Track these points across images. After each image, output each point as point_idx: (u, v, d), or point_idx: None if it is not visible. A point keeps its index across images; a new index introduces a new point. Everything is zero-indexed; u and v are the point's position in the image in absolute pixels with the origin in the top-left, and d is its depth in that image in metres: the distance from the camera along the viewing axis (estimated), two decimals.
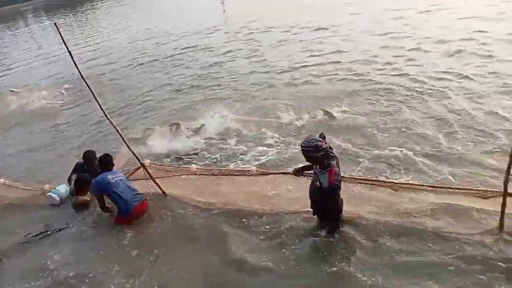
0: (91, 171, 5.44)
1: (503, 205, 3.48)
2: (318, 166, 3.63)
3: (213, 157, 6.26)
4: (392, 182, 4.22)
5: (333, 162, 3.56)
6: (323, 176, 3.52)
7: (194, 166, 5.49)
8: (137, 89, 11.10)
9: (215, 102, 8.78)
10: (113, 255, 4.36)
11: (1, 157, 8.10)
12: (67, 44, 4.49)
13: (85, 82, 4.69)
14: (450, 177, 4.72)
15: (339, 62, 10.26)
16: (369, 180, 4.33)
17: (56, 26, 4.54)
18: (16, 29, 35.89)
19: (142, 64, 14.05)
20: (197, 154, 6.43)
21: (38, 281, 4.15)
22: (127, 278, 3.95)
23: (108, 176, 4.86)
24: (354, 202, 4.26)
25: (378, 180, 4.30)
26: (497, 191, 3.58)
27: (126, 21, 27.01)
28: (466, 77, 7.93)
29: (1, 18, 49.38)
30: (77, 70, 4.64)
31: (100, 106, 4.82)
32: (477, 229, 3.66)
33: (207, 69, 12.00)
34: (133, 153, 5.10)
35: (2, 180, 6.25)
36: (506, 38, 9.74)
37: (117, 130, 4.97)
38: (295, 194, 4.47)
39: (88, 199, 5.44)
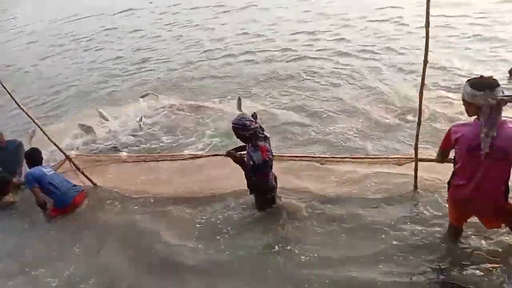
0: None
1: (415, 169, 3.86)
2: (250, 145, 3.71)
3: (146, 145, 6.06)
4: (320, 156, 4.44)
5: (261, 142, 3.66)
6: (255, 154, 3.61)
7: (124, 153, 5.30)
8: (59, 75, 10.40)
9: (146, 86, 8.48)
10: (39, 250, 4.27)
11: None
12: None
13: None
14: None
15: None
16: (298, 156, 4.51)
17: None
18: None
19: (62, 46, 13.09)
20: (128, 143, 6.17)
21: None
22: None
23: (43, 169, 4.69)
24: (288, 177, 4.42)
25: (307, 156, 4.49)
26: (409, 157, 3.94)
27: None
28: None
29: None
30: None
31: (11, 95, 4.42)
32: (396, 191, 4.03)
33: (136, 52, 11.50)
34: (56, 145, 4.80)
35: None
36: None
37: (33, 121, 4.64)
38: (230, 175, 4.51)
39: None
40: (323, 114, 6.23)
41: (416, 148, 3.70)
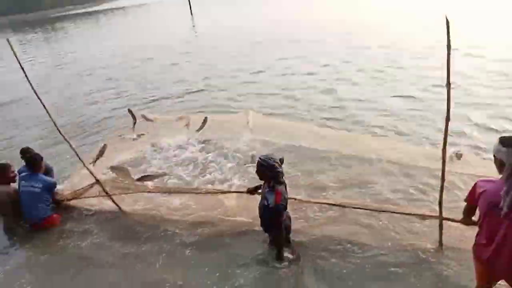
0: None
1: (440, 227, 3.70)
2: (266, 185, 3.76)
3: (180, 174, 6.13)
4: (339, 205, 4.37)
5: (280, 187, 3.72)
6: (270, 196, 3.65)
7: (149, 183, 5.46)
8: (94, 107, 11.06)
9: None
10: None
11: None
12: (20, 61, 4.56)
13: (37, 96, 4.67)
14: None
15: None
16: (318, 202, 4.46)
17: (9, 42, 4.56)
18: None
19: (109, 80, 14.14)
20: (160, 172, 6.26)
21: None
22: None
23: (22, 181, 5.07)
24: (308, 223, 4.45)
25: (326, 203, 4.44)
26: (433, 215, 3.79)
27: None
28: None
29: None
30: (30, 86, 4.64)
31: (50, 117, 4.81)
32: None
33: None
34: (88, 168, 5.07)
35: None
36: None
37: (69, 144, 4.96)
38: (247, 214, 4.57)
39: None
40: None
41: (440, 205, 3.57)
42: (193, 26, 25.71)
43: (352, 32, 17.68)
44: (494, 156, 2.67)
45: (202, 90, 11.63)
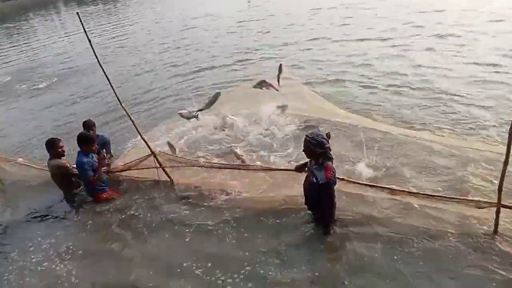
0: None
1: (497, 215, 3.56)
2: (314, 162, 3.76)
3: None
4: (390, 188, 4.28)
5: (329, 162, 3.70)
6: (319, 172, 3.65)
7: (201, 159, 5.68)
8: (159, 82, 11.31)
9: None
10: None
11: (22, 135, 8.55)
12: (88, 33, 4.87)
13: (102, 68, 4.95)
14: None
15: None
16: (366, 184, 4.39)
17: (78, 15, 4.84)
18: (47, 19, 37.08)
19: (166, 52, 14.64)
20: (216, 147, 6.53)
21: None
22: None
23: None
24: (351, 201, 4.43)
25: (375, 185, 4.37)
26: (490, 202, 3.63)
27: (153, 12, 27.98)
28: None
29: (34, 6, 51.10)
30: (96, 59, 4.93)
31: (115, 93, 5.09)
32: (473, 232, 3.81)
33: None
34: (145, 140, 5.34)
35: (20, 159, 6.55)
36: None
37: (130, 118, 5.25)
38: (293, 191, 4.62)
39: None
40: None
41: (499, 191, 3.41)
42: None
43: None
44: None
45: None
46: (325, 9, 18.05)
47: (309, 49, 11.99)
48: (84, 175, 5.25)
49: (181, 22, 21.15)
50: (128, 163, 5.70)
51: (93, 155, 5.38)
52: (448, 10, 14.09)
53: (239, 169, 5.26)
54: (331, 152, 3.76)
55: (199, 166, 5.48)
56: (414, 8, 15.13)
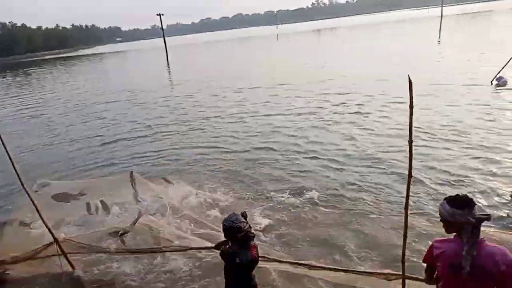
0: None
1: (403, 284, 3.75)
2: (236, 243, 3.68)
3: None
4: (305, 264, 4.34)
5: (252, 242, 3.66)
6: (242, 251, 3.56)
7: (113, 245, 5.22)
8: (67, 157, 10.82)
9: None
10: None
11: None
12: None
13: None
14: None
15: None
16: (280, 261, 4.41)
17: None
18: None
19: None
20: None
21: None
22: None
23: None
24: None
25: (290, 262, 4.40)
26: (397, 274, 3.85)
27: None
28: None
29: None
30: None
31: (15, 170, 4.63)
32: None
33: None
34: (47, 225, 4.82)
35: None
36: None
37: (32, 200, 4.74)
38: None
39: None
40: None
41: (403, 264, 3.65)
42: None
43: None
44: (446, 219, 2.67)
45: None
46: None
47: None
48: None
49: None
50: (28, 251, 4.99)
51: None
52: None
53: (155, 252, 4.95)
54: (251, 230, 3.75)
55: (109, 253, 5.03)
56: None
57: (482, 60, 20.37)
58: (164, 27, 60.81)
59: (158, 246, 5.06)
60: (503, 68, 14.35)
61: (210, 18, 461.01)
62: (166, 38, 60.75)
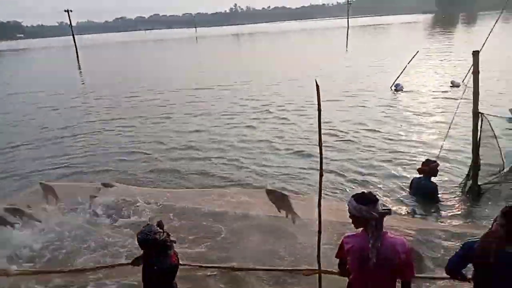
0: None
1: (319, 281, 3.96)
2: (155, 254, 3.53)
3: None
4: (228, 267, 4.36)
5: (171, 252, 3.54)
6: (162, 259, 3.43)
7: (14, 267, 4.62)
8: None
9: None
10: None
11: None
12: None
13: None
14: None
15: None
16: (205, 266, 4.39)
17: None
18: None
19: None
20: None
21: None
22: None
23: None
24: None
25: (213, 266, 4.40)
26: (313, 269, 4.06)
27: None
28: None
29: None
30: None
31: None
32: None
33: None
34: None
35: None
36: None
37: None
38: None
39: None
40: None
41: (318, 259, 3.85)
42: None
43: None
44: (353, 215, 2.87)
45: None
46: None
47: None
48: None
49: None
50: None
51: None
52: None
53: (62, 272, 4.50)
54: (169, 237, 3.61)
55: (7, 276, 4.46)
56: None
57: (384, 65, 23.04)
58: (74, 24, 56.34)
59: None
60: (399, 76, 16.54)
61: (125, 17, 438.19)
62: (76, 37, 56.51)
